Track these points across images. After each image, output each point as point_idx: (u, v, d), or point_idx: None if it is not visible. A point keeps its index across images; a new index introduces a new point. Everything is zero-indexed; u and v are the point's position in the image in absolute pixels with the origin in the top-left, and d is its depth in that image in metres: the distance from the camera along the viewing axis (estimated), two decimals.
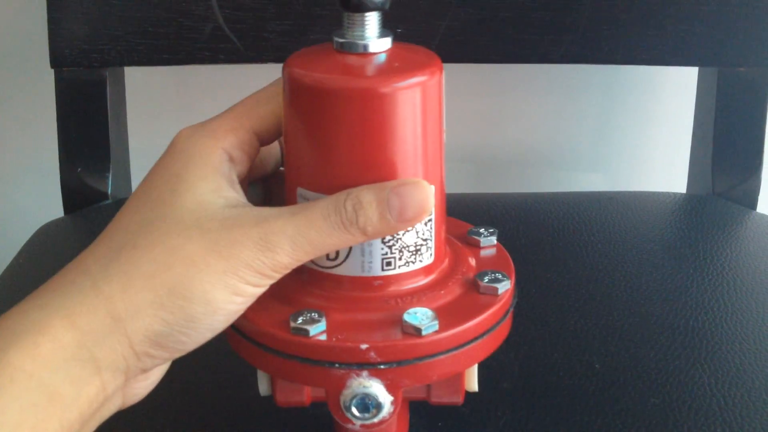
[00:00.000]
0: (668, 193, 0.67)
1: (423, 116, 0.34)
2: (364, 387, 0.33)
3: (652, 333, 0.50)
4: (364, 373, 0.33)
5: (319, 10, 0.63)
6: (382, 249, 0.35)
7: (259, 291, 0.33)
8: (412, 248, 0.35)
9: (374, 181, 0.33)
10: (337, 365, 0.33)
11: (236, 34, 0.64)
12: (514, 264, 0.39)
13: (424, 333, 0.33)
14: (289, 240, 0.32)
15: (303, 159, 0.35)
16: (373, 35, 0.34)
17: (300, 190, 0.35)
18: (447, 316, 0.34)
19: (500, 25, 0.64)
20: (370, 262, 0.35)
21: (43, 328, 0.31)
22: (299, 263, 0.33)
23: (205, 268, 0.32)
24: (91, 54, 0.63)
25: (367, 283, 0.35)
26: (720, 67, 0.65)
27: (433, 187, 0.35)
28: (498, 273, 0.37)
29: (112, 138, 0.65)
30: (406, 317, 0.34)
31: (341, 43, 0.34)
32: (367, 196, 0.33)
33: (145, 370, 0.33)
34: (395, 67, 0.33)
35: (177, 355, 0.33)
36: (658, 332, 0.50)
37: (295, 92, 0.34)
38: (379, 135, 0.33)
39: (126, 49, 0.63)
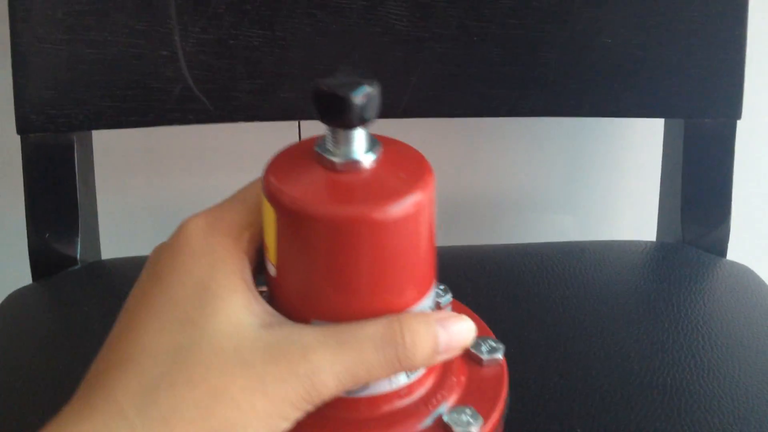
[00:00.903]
0: (639, 242, 0.67)
1: (421, 228, 0.32)
2: None
3: (631, 393, 0.50)
4: None
5: (289, 68, 0.63)
6: None
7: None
8: None
9: (388, 303, 0.32)
10: None
11: (206, 95, 0.63)
12: (489, 321, 0.39)
13: None
14: (335, 377, 0.30)
15: (307, 288, 0.32)
16: (360, 150, 0.32)
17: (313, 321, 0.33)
18: (476, 402, 0.34)
19: (469, 80, 0.65)
20: (397, 376, 0.33)
21: None
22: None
23: (250, 412, 0.30)
24: (58, 119, 0.62)
25: (394, 396, 0.34)
26: (686, 118, 0.65)
27: (472, 323, 0.34)
28: (490, 340, 0.37)
29: (81, 202, 0.64)
30: (451, 422, 0.33)
31: (328, 160, 0.32)
32: (420, 329, 0.31)
33: None
34: (389, 187, 0.31)
35: None
36: (638, 392, 0.50)
37: (288, 220, 0.32)
38: (387, 258, 0.32)
39: (93, 113, 0.62)
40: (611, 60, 0.64)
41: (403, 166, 0.33)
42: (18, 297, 0.62)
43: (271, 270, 0.33)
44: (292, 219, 0.31)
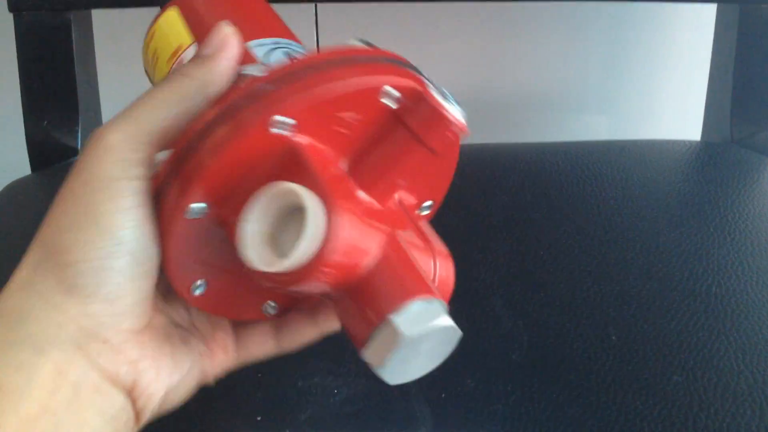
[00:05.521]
0: (683, 141, 0.62)
1: None
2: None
3: (672, 300, 0.46)
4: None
5: None
6: None
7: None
8: None
9: None
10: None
11: None
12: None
13: None
14: (120, 126, 0.29)
15: None
16: None
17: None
18: None
19: None
20: None
21: None
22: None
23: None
24: None
25: None
26: (741, 3, 0.59)
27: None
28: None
29: (81, 88, 0.60)
30: None
31: None
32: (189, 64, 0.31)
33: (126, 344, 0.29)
34: None
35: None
36: (679, 299, 0.46)
37: None
38: None
39: None
40: None
41: None
42: (16, 188, 0.59)
43: None
44: None
